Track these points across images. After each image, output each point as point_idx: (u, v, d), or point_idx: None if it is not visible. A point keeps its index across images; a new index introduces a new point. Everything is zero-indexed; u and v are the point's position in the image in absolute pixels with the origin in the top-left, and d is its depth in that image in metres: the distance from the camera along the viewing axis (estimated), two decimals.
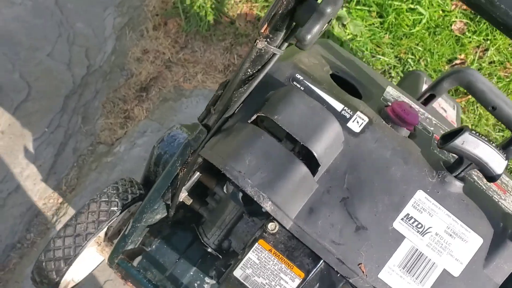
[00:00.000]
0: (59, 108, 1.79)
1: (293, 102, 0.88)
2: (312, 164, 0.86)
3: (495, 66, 2.00)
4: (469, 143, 0.84)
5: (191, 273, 1.16)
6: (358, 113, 0.92)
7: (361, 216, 0.87)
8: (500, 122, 1.45)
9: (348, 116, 0.91)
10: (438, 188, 0.87)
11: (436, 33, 2.01)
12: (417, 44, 1.98)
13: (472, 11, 2.07)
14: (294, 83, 0.94)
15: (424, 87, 1.51)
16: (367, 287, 0.85)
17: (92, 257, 1.28)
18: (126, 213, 1.18)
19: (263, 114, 0.88)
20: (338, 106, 0.92)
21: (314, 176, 0.87)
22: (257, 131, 0.88)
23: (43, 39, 1.85)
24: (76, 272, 1.26)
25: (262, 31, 0.82)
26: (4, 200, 1.68)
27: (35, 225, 1.69)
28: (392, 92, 1.09)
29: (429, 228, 0.87)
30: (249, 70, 0.88)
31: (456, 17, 2.03)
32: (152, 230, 1.17)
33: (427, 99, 1.35)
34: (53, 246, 1.09)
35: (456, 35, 2.02)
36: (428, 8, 2.01)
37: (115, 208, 1.10)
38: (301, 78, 0.95)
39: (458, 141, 0.84)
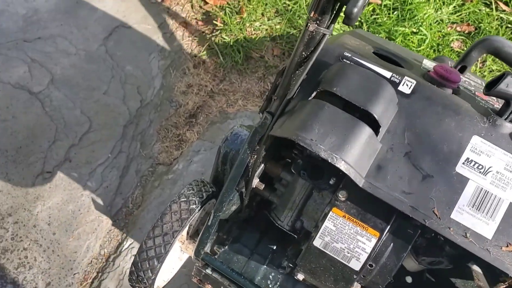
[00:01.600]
0: (119, 136, 1.94)
1: (347, 74, 0.96)
2: (374, 126, 0.94)
3: (494, 74, 2.26)
4: None
5: (264, 267, 1.22)
6: (406, 77, 1.00)
7: (425, 166, 0.93)
8: None
9: (397, 81, 0.99)
10: (491, 131, 0.94)
11: (439, 50, 2.29)
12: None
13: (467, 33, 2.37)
14: (344, 60, 1.02)
15: None
16: (443, 228, 0.91)
17: (176, 256, 1.36)
18: (202, 211, 1.28)
19: (322, 89, 0.98)
20: (387, 73, 1.00)
21: (378, 136, 0.95)
22: (320, 103, 0.96)
23: (98, 81, 2.04)
24: (165, 272, 1.35)
25: (312, 15, 0.91)
26: (77, 219, 1.76)
27: (107, 241, 1.76)
28: (428, 64, 1.18)
29: (489, 167, 0.92)
30: (304, 53, 0.97)
31: (454, 37, 2.32)
32: (223, 231, 1.26)
33: (460, 71, 1.53)
34: (145, 247, 1.19)
35: (456, 51, 2.30)
36: (430, 29, 2.30)
37: (194, 206, 1.21)
38: (349, 55, 1.03)
39: (503, 85, 0.90)
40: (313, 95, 1.00)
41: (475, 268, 1.05)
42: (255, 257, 1.24)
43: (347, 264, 1.00)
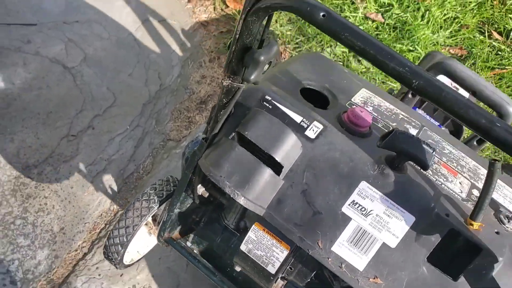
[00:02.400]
0: (138, 112, 2.19)
1: (259, 120, 1.08)
2: (278, 166, 1.08)
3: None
4: (399, 140, 0.99)
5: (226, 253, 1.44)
6: (315, 122, 1.10)
7: (317, 203, 1.05)
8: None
9: (305, 126, 1.09)
10: (378, 179, 1.04)
11: None
12: None
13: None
14: (264, 103, 1.12)
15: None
16: (324, 257, 1.04)
17: (149, 238, 1.64)
18: (167, 204, 1.52)
19: (238, 131, 1.10)
20: (298, 118, 1.10)
21: (279, 175, 1.07)
22: (233, 144, 1.09)
23: (125, 64, 2.30)
24: (140, 248, 1.65)
25: (225, 74, 1.02)
26: (93, 178, 2.00)
27: (117, 199, 2.00)
28: (363, 95, 1.26)
29: (371, 210, 1.03)
30: (224, 100, 1.09)
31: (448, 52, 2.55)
32: (197, 215, 1.49)
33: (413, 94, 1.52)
34: (112, 235, 1.47)
35: None
36: (426, 49, 2.53)
37: (153, 205, 1.45)
38: (270, 98, 1.12)
39: (389, 140, 0.99)
40: (232, 134, 1.13)
41: None
42: (225, 234, 1.43)
43: (265, 268, 1.18)
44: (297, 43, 2.51)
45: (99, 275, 1.80)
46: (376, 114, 1.20)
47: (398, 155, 1.03)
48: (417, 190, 1.04)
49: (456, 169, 1.16)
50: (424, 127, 1.23)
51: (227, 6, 2.57)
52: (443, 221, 1.00)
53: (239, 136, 1.12)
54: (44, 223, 1.87)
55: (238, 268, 1.29)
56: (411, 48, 2.53)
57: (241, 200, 1.05)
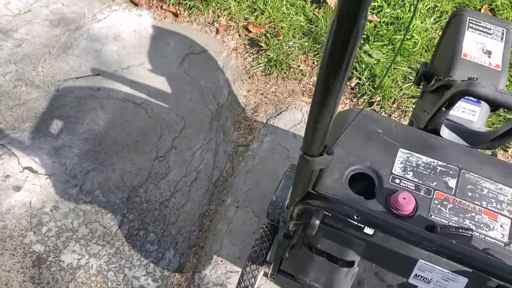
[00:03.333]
0: (207, 129, 2.56)
1: (327, 236, 1.27)
2: (349, 264, 1.28)
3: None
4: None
5: None
6: None
7: (388, 279, 1.25)
8: None
9: (362, 226, 1.20)
10: (432, 256, 1.19)
11: (428, 49, 3.00)
12: (420, 56, 2.96)
13: None
14: (326, 220, 1.24)
15: (466, 34, 1.64)
16: None
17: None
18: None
19: (311, 241, 1.30)
20: (354, 223, 1.16)
21: (354, 265, 1.27)
22: (311, 256, 1.30)
23: (183, 93, 2.68)
24: None
25: (290, 220, 1.28)
26: (189, 186, 2.35)
27: (214, 200, 2.35)
28: (401, 159, 1.30)
29: (431, 279, 1.20)
30: (294, 227, 1.35)
31: (437, 39, 3.05)
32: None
33: (447, 107, 1.45)
34: (241, 281, 1.72)
35: None
36: (420, 34, 3.02)
37: (265, 250, 1.73)
38: (329, 214, 1.22)
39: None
40: (307, 241, 1.31)
41: None
42: None
43: None
44: (315, 50, 2.95)
45: (221, 261, 2.13)
46: (416, 180, 1.27)
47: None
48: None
49: (496, 210, 1.22)
50: (462, 170, 1.30)
51: (250, 31, 3.00)
52: (489, 281, 1.15)
53: (311, 245, 1.32)
54: (162, 229, 2.20)
55: None
56: (408, 37, 3.02)
57: None
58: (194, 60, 2.83)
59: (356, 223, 1.15)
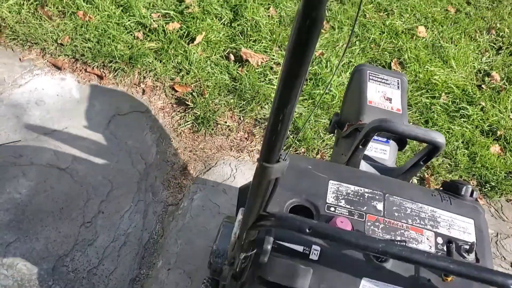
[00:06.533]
0: (135, 190, 2.47)
1: (276, 265, 1.25)
2: None
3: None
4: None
5: None
6: (313, 246, 1.24)
7: None
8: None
9: (307, 252, 1.24)
10: (374, 272, 1.24)
11: None
12: (338, 108, 3.04)
13: None
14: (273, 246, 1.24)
15: (368, 84, 1.83)
16: None
17: None
18: None
19: (260, 275, 1.26)
20: (299, 248, 1.25)
21: None
22: None
23: (110, 154, 2.58)
24: None
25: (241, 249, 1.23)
26: (118, 251, 2.23)
27: (144, 264, 2.23)
28: (333, 190, 1.38)
29: None
30: (242, 264, 1.28)
31: None
32: None
33: (363, 145, 1.59)
34: None
35: None
36: (337, 88, 3.12)
37: None
38: (272, 239, 1.21)
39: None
40: (255, 280, 1.28)
41: None
42: None
43: None
44: (241, 107, 2.97)
45: None
46: (349, 206, 1.35)
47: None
48: (402, 268, 1.24)
49: (420, 226, 1.33)
50: (387, 195, 1.40)
51: (176, 91, 2.98)
52: (427, 287, 1.22)
53: (262, 278, 1.29)
54: None
55: None
56: (328, 91, 3.11)
57: None
58: (120, 121, 2.75)
59: (302, 251, 1.23)
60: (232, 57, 3.19)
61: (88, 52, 2.99)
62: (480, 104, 3.34)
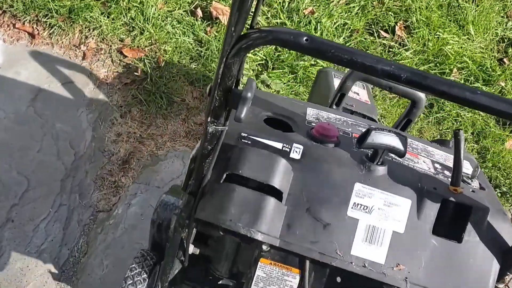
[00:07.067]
0: (58, 190, 1.97)
1: (247, 156, 1.09)
2: (278, 193, 1.08)
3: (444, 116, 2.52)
4: (377, 138, 1.06)
5: None
6: (294, 144, 1.12)
7: (323, 216, 1.07)
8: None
9: (288, 149, 1.11)
10: (368, 176, 1.09)
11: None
12: None
13: None
14: (243, 140, 1.13)
15: (334, 80, 1.85)
16: (347, 264, 1.07)
17: None
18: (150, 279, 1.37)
19: (230, 172, 1.08)
20: (279, 145, 1.12)
21: (282, 201, 1.08)
22: (230, 186, 1.08)
23: (31, 140, 2.06)
24: None
25: (209, 120, 1.01)
26: (26, 276, 1.76)
27: None
28: (312, 113, 1.31)
29: (372, 206, 1.08)
30: (208, 146, 1.07)
31: None
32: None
33: (339, 99, 1.63)
34: None
35: None
36: None
37: (140, 285, 1.32)
38: (246, 134, 1.13)
39: (369, 140, 1.06)
40: (223, 177, 1.09)
41: None
42: None
43: None
44: (205, 80, 2.40)
45: None
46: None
47: (378, 151, 1.09)
48: (402, 176, 1.11)
49: (414, 152, 1.25)
50: (372, 126, 1.26)
51: (125, 56, 2.39)
52: (434, 195, 1.08)
53: (231, 176, 1.10)
54: None
55: None
56: (313, 63, 2.52)
57: (258, 236, 1.04)
58: (50, 96, 2.20)
59: (282, 148, 1.10)
60: (200, 13, 2.57)
61: (19, 2, 2.38)
62: (499, 85, 2.74)
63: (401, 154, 1.08)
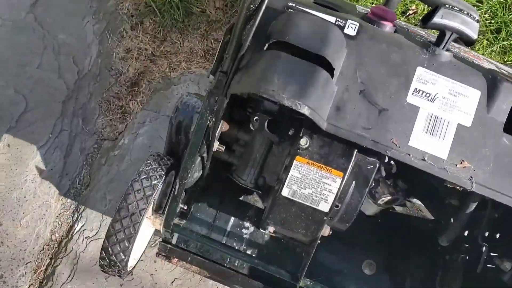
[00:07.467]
0: (59, 113, 1.77)
1: (297, 22, 0.95)
2: (328, 69, 0.94)
3: None
4: (447, 16, 0.94)
5: (228, 230, 1.27)
6: (349, 20, 1.00)
7: (380, 100, 0.97)
8: None
9: (342, 24, 0.99)
10: (432, 61, 0.98)
11: None
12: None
13: None
14: (289, 10, 1.00)
15: None
16: (404, 155, 0.96)
17: (144, 233, 1.27)
18: (163, 184, 1.19)
19: (275, 40, 0.94)
20: (332, 18, 0.99)
21: (333, 79, 0.96)
22: (275, 53, 0.94)
23: (30, 54, 1.83)
24: (135, 251, 1.25)
25: None
26: (24, 207, 1.64)
27: (57, 226, 1.65)
28: (361, 9, 1.17)
29: (436, 94, 0.97)
30: (252, 5, 0.94)
31: None
32: (183, 202, 1.21)
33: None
34: (113, 231, 1.12)
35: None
36: None
37: (156, 181, 1.14)
38: (293, 5, 1.01)
39: (437, 17, 0.94)
40: (265, 47, 0.96)
41: (416, 201, 1.16)
42: (217, 224, 1.27)
43: (316, 207, 1.03)
44: None
45: None
46: None
47: (445, 33, 0.97)
48: (470, 65, 1.00)
49: (475, 55, 1.14)
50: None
51: None
52: (509, 88, 0.97)
53: (274, 46, 0.96)
54: None
55: (271, 229, 1.10)
56: None
57: (305, 110, 0.91)
58: (52, 1, 1.92)
59: (335, 22, 0.98)
60: None
61: None
62: None
63: (471, 42, 0.96)
